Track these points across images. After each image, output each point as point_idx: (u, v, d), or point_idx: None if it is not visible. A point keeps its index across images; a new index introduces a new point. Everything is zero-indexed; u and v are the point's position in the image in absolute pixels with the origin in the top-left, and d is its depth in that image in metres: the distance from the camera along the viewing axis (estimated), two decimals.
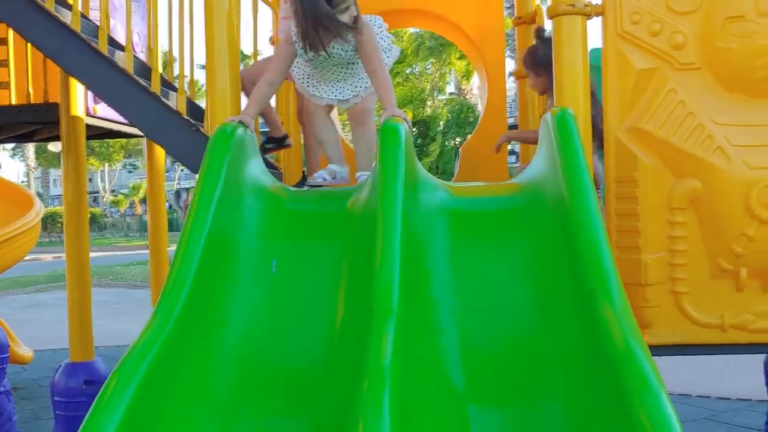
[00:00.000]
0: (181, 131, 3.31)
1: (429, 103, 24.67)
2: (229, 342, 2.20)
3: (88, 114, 4.97)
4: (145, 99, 3.32)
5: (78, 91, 4.66)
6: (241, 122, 2.80)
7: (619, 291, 1.96)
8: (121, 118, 5.24)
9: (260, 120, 3.49)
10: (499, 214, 2.60)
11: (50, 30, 3.37)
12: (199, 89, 12.02)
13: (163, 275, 4.92)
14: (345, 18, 2.86)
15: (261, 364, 2.19)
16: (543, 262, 2.35)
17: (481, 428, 1.94)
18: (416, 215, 2.45)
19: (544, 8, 4.26)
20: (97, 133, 5.81)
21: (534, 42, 3.94)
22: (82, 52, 3.36)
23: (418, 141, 22.66)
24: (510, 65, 5.74)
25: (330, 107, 3.33)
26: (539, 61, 3.76)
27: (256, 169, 2.91)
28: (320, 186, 3.18)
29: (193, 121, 3.33)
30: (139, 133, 5.58)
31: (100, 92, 3.45)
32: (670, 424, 1.51)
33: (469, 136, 4.73)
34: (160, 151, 5.68)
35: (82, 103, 4.73)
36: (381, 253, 2.20)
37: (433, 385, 1.99)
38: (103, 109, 5.03)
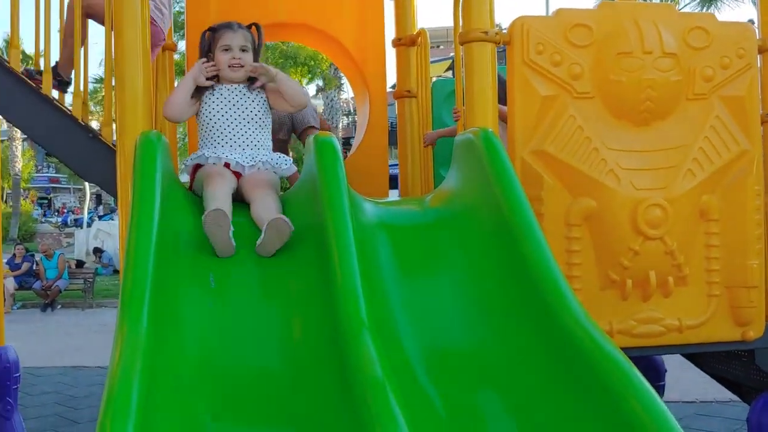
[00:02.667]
0: (78, 139, 3.12)
1: None
2: (190, 353, 2.13)
3: None
4: (37, 102, 3.10)
5: None
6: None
7: (574, 298, 2.14)
8: None
9: None
10: (434, 225, 2.72)
11: None
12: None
13: None
14: None
15: (224, 374, 2.15)
16: (482, 268, 2.49)
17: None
18: (359, 230, 2.49)
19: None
20: None
21: None
22: None
23: None
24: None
25: None
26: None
27: (174, 176, 2.83)
28: None
29: (91, 128, 3.14)
30: None
31: None
32: (666, 418, 1.69)
33: (350, 154, 4.82)
34: None
35: None
36: (340, 267, 2.24)
37: (410, 392, 2.05)
38: None
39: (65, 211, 47.02)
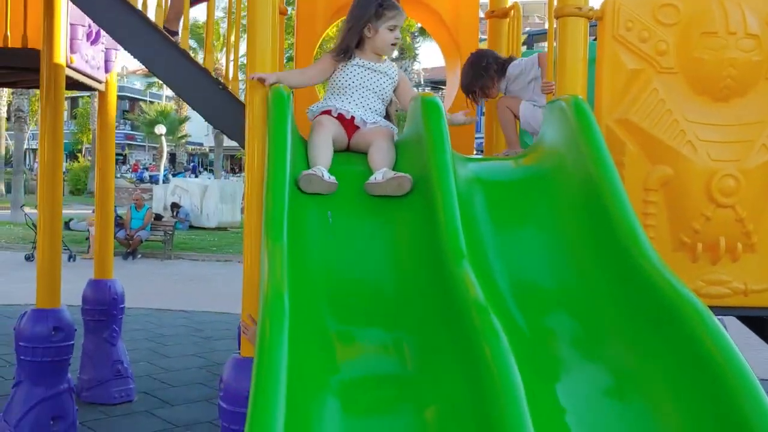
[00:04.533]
0: (209, 90, 3.52)
1: None
2: (318, 267, 2.54)
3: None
4: (175, 56, 3.50)
5: (60, 38, 4.69)
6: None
7: (654, 251, 2.44)
8: (94, 72, 5.29)
9: None
10: (525, 180, 3.05)
11: None
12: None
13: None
14: None
15: (343, 287, 2.55)
16: (568, 219, 2.82)
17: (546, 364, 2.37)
18: (458, 181, 2.83)
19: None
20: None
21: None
22: (111, 4, 3.49)
23: None
24: None
25: None
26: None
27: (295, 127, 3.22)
28: None
29: (220, 81, 3.54)
30: (97, 86, 5.64)
31: (130, 46, 3.56)
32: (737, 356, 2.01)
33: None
34: None
35: (63, 51, 4.76)
36: (443, 208, 2.59)
37: (501, 315, 2.39)
38: (78, 60, 5.05)
39: (139, 167, 48.52)
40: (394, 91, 3.55)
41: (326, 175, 2.89)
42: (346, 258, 2.67)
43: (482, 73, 4.27)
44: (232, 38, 4.42)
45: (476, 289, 2.23)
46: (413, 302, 2.47)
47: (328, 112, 3.34)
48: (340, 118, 3.33)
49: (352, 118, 3.32)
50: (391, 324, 2.42)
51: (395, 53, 23.97)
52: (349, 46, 3.44)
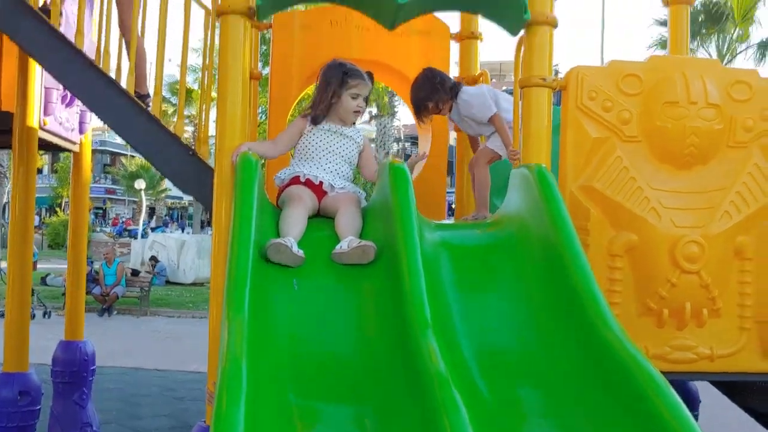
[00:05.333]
0: (178, 156, 3.54)
1: None
2: (280, 341, 2.52)
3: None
4: (144, 122, 3.54)
5: (34, 101, 4.72)
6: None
7: (614, 320, 2.46)
8: (68, 134, 5.31)
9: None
10: (490, 246, 3.09)
11: (53, 47, 3.53)
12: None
13: None
14: None
15: (306, 360, 2.53)
16: (532, 286, 2.84)
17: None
18: (424, 247, 2.85)
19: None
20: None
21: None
22: (84, 71, 3.54)
23: None
24: None
25: None
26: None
27: (264, 193, 3.24)
28: None
29: (190, 147, 3.57)
30: (70, 147, 5.66)
31: (101, 112, 3.59)
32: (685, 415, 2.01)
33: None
34: None
35: (37, 114, 4.78)
36: (408, 276, 2.60)
37: (465, 385, 2.39)
38: (52, 123, 5.07)
39: (119, 221, 48.29)
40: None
41: (295, 248, 2.89)
42: (310, 327, 2.66)
43: (438, 87, 4.30)
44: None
45: (439, 361, 2.23)
46: (377, 373, 2.46)
47: (296, 179, 3.37)
48: (308, 183, 3.36)
49: (321, 183, 3.35)
50: (354, 397, 2.40)
51: (374, 110, 24.28)
52: (322, 111, 3.51)
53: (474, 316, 2.75)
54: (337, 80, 3.50)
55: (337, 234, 3.07)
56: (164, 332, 13.82)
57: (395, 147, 31.61)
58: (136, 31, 3.82)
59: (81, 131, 5.65)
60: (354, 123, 3.59)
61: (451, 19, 5.14)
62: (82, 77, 3.51)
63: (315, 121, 3.51)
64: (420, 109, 4.41)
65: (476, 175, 4.27)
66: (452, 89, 4.32)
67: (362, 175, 3.63)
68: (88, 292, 15.56)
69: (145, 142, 3.52)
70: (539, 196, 3.01)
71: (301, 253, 2.90)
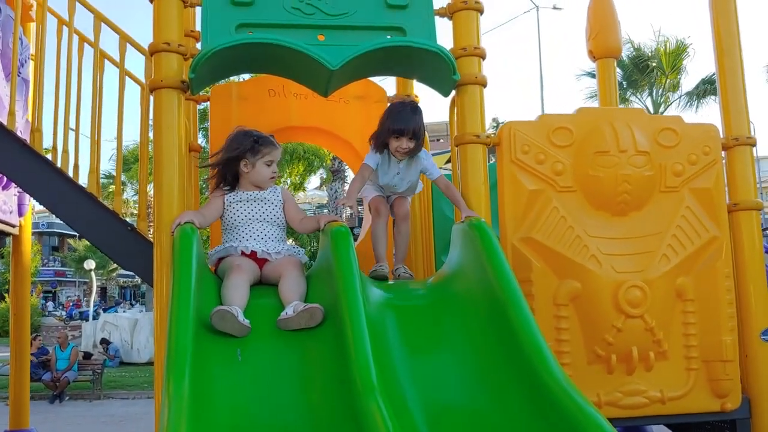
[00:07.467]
0: (116, 232, 3.50)
1: None
2: (222, 413, 2.46)
3: None
4: (80, 199, 3.50)
5: None
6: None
7: (560, 370, 2.47)
8: (6, 217, 5.21)
9: None
10: (435, 304, 3.08)
11: None
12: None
13: None
14: None
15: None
16: (478, 341, 2.84)
17: None
18: (369, 308, 2.84)
19: None
20: None
21: None
22: (15, 150, 3.49)
23: None
24: None
25: None
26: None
27: (204, 263, 3.21)
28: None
29: (128, 222, 3.53)
30: (9, 230, 5.55)
31: (33, 191, 3.54)
32: None
33: (358, 241, 5.18)
34: None
35: None
36: (353, 340, 2.58)
37: None
38: None
39: (70, 304, 47.19)
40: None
41: (241, 317, 2.84)
42: (255, 397, 2.61)
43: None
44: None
45: (387, 423, 2.20)
46: None
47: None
48: (243, 255, 3.31)
49: (253, 252, 3.31)
50: None
51: (314, 179, 24.21)
52: (227, 179, 3.48)
53: (422, 375, 2.73)
54: (248, 148, 3.45)
55: (282, 300, 3.03)
56: (119, 416, 13.38)
57: (348, 211, 31.70)
58: None
59: (20, 213, 5.55)
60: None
61: (388, 83, 5.26)
62: (13, 157, 3.46)
63: (231, 190, 3.48)
64: (412, 137, 3.71)
65: (403, 228, 4.08)
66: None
67: (294, 228, 3.54)
68: (37, 379, 15.08)
69: (80, 219, 3.47)
70: (481, 250, 3.04)
71: (247, 322, 2.85)
